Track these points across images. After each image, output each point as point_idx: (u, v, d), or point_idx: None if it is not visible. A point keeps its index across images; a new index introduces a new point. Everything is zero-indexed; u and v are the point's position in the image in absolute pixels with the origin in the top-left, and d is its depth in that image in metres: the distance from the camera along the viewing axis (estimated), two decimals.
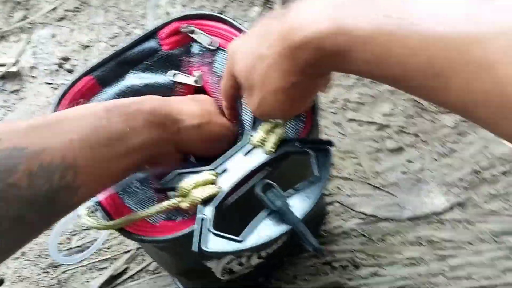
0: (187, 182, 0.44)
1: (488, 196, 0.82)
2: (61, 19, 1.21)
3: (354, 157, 0.89)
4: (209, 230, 0.39)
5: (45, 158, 0.34)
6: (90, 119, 0.39)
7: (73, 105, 0.56)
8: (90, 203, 0.46)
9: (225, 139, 0.53)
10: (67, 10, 1.22)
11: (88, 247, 0.83)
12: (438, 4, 0.25)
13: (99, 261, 0.82)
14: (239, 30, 0.56)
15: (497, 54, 0.21)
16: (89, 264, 0.82)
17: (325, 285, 0.75)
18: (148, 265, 0.80)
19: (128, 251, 0.82)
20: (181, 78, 0.59)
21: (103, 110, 0.41)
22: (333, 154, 0.88)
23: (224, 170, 0.46)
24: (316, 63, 0.33)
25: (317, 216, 0.80)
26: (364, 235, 0.80)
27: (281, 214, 0.38)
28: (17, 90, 1.11)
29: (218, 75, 0.57)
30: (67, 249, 0.84)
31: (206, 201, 0.43)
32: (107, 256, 0.82)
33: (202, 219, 0.41)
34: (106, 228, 0.45)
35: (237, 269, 0.64)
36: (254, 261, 0.66)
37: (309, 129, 0.51)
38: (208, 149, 0.51)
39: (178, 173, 0.45)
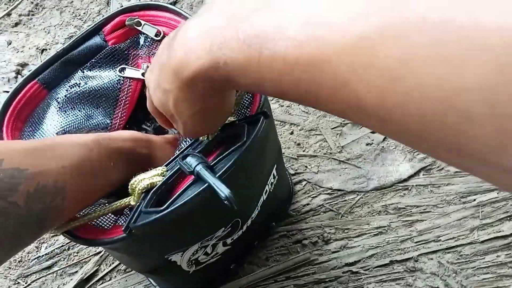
0: (134, 179, 0.44)
1: None
2: (16, 24, 1.19)
3: (318, 134, 0.89)
4: (141, 211, 0.39)
5: (41, 181, 0.37)
6: (81, 149, 0.43)
7: (19, 115, 0.56)
8: None
9: None
10: (21, 15, 1.19)
11: (57, 254, 0.83)
12: (284, 19, 0.25)
13: (68, 266, 0.82)
14: (184, 18, 0.56)
15: (347, 73, 0.22)
16: (59, 270, 0.82)
17: (297, 263, 0.75)
18: (118, 264, 0.80)
19: (98, 253, 0.82)
20: (129, 72, 0.59)
21: (92, 141, 0.45)
22: (299, 133, 0.89)
23: (174, 165, 0.45)
24: (212, 88, 0.34)
25: (284, 196, 0.80)
26: (332, 210, 0.80)
27: (199, 176, 0.38)
28: None
29: None
30: (36, 258, 0.83)
31: (148, 191, 0.43)
32: (77, 260, 0.82)
33: (139, 205, 0.41)
34: (53, 233, 0.45)
35: (204, 259, 0.64)
36: (221, 249, 0.65)
37: (256, 111, 0.50)
38: None
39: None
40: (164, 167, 0.45)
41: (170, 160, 0.47)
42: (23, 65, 1.11)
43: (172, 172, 0.43)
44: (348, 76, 0.22)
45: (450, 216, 0.77)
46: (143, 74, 0.58)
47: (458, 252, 0.74)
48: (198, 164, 0.38)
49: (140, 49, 0.60)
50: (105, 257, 0.81)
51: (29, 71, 1.08)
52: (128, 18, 0.60)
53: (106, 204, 0.49)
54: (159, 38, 0.58)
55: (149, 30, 0.59)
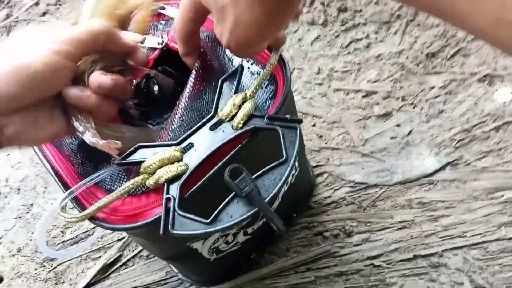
0: (151, 160, 0.42)
1: (480, 154, 0.81)
2: (44, 14, 1.21)
3: (341, 126, 0.88)
4: (176, 211, 0.39)
5: None
6: None
7: None
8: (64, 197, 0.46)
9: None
10: (49, 4, 1.21)
11: (82, 238, 0.84)
12: None
13: (93, 251, 0.83)
14: None
15: None
16: (83, 254, 0.83)
17: (317, 255, 0.75)
18: (141, 250, 0.81)
19: (121, 238, 0.83)
20: (149, 41, 0.58)
21: None
22: (321, 125, 0.88)
23: (190, 146, 0.44)
24: None
25: (306, 188, 0.79)
26: (354, 203, 0.79)
27: (249, 198, 0.37)
28: None
29: None
30: (61, 242, 0.85)
31: (171, 180, 0.42)
32: (101, 245, 0.83)
33: (168, 200, 0.40)
34: (79, 220, 0.44)
35: (224, 247, 0.64)
36: (241, 238, 0.65)
37: (279, 103, 0.49)
38: None
39: (140, 147, 0.44)
40: (177, 146, 0.44)
41: (185, 136, 0.45)
42: None
43: (198, 163, 0.43)
44: None
45: (477, 212, 0.76)
46: (158, 43, 0.57)
47: (485, 249, 0.73)
48: (252, 191, 0.37)
49: (159, 30, 0.60)
50: (128, 243, 0.82)
51: None
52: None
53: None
54: None
55: (173, 12, 0.59)
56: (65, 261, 0.83)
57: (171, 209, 0.38)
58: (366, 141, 0.85)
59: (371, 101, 0.89)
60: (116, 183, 0.48)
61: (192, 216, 0.37)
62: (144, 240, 0.54)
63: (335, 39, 0.96)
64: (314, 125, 0.89)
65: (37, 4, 1.22)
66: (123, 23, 0.52)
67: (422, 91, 0.88)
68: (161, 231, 0.37)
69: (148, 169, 0.42)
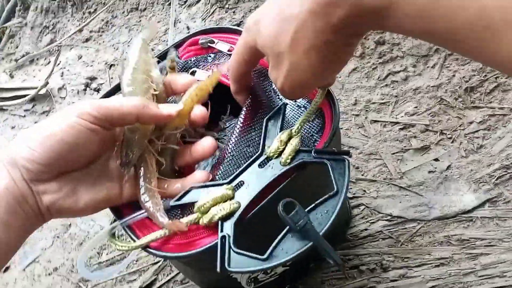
0: (204, 200, 0.43)
1: None
2: (87, 40, 1.26)
3: (378, 158, 0.87)
4: (231, 248, 0.39)
5: None
6: None
7: None
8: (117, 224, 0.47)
9: None
10: (92, 31, 1.26)
11: (118, 260, 0.85)
12: None
13: (128, 273, 0.84)
14: None
15: None
16: (119, 276, 0.84)
17: None
18: (176, 275, 0.81)
19: (156, 262, 0.83)
20: (199, 74, 0.60)
21: None
22: (357, 156, 0.88)
23: (241, 184, 0.45)
24: (351, 21, 0.31)
25: (342, 220, 0.79)
26: (391, 237, 0.78)
27: (304, 232, 0.38)
28: (47, 111, 1.15)
29: None
30: (97, 263, 0.86)
31: (225, 218, 0.43)
32: (136, 268, 0.84)
33: (223, 238, 0.41)
34: (132, 249, 0.45)
35: (262, 277, 0.64)
36: (279, 269, 0.66)
37: (328, 139, 0.49)
38: None
39: (192, 188, 0.45)
40: (228, 184, 0.45)
41: (235, 174, 0.46)
42: (92, 78, 1.16)
43: (249, 200, 0.43)
44: None
45: None
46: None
47: None
48: (306, 225, 0.37)
49: (209, 62, 0.62)
50: (163, 267, 0.83)
51: (98, 84, 1.14)
52: (201, 38, 0.63)
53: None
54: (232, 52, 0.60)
55: (223, 47, 0.61)
56: (101, 283, 0.84)
57: (227, 247, 0.39)
58: (404, 174, 0.85)
59: (408, 134, 0.89)
60: (170, 217, 0.49)
61: (248, 253, 0.37)
62: (188, 267, 0.55)
63: (372, 71, 0.97)
64: (350, 156, 0.88)
65: (80, 30, 1.26)
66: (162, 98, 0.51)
67: (460, 125, 0.88)
68: (218, 269, 0.38)
69: (202, 208, 0.43)
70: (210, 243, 0.44)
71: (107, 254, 0.87)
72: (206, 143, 0.48)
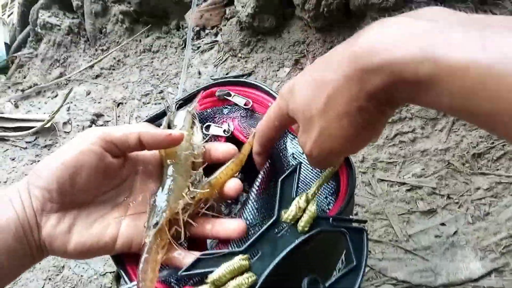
0: (221, 273, 0.41)
1: None
2: (97, 76, 1.26)
3: (384, 218, 0.87)
4: None
5: None
6: None
7: None
8: None
9: None
10: (103, 68, 1.27)
11: None
12: None
13: None
14: (273, 97, 0.57)
15: None
16: None
17: None
18: None
19: None
20: (213, 129, 0.60)
21: None
22: (363, 215, 0.87)
23: (256, 252, 0.43)
24: (388, 90, 0.31)
25: None
26: None
27: None
28: (49, 145, 1.14)
29: (251, 126, 0.57)
30: None
31: None
32: None
33: None
34: None
35: None
36: None
37: (344, 203, 0.49)
38: None
39: (201, 257, 0.42)
40: (243, 254, 0.42)
41: (251, 243, 0.43)
42: (99, 115, 1.16)
43: (268, 273, 0.41)
44: None
45: None
46: (224, 131, 0.59)
47: None
48: None
49: (224, 115, 0.62)
50: None
51: (104, 122, 1.13)
52: (218, 90, 0.63)
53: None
54: (248, 106, 0.60)
55: (239, 100, 0.61)
56: None
57: None
58: (410, 236, 0.83)
59: (415, 195, 0.88)
60: (177, 281, 0.47)
61: None
62: None
63: None
64: (356, 214, 0.88)
65: (91, 67, 1.27)
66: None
67: (467, 191, 0.88)
68: None
69: (218, 282, 0.41)
70: None
71: None
72: (235, 224, 0.45)
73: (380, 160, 0.94)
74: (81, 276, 0.88)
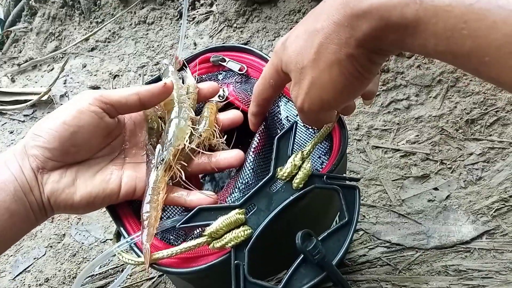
0: (218, 225, 0.42)
1: None
2: (92, 49, 1.26)
3: (378, 184, 0.88)
4: (246, 278, 0.39)
5: None
6: None
7: None
8: (125, 242, 0.47)
9: None
10: (98, 41, 1.26)
11: (111, 274, 0.84)
12: None
13: None
14: (267, 61, 0.58)
15: None
16: None
17: None
18: None
19: (151, 278, 0.82)
20: None
21: None
22: (360, 179, 0.88)
23: (252, 207, 0.44)
24: (376, 36, 0.31)
25: None
26: (389, 264, 0.78)
27: (319, 263, 0.38)
28: None
29: (246, 91, 0.58)
30: (90, 276, 0.85)
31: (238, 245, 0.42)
32: (129, 283, 0.83)
33: (237, 266, 0.40)
34: (138, 265, 0.45)
35: None
36: None
37: (336, 161, 0.50)
38: None
39: (201, 209, 0.44)
40: (240, 208, 0.44)
41: (247, 198, 0.45)
42: (95, 88, 1.16)
43: (262, 226, 0.43)
44: None
45: None
46: (219, 97, 0.60)
47: None
48: (323, 257, 0.37)
49: (219, 80, 0.63)
50: (157, 283, 0.82)
51: None
52: (213, 55, 0.63)
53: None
54: (243, 72, 0.61)
55: (233, 66, 0.62)
56: None
57: (241, 276, 0.38)
58: (403, 201, 0.85)
59: (409, 161, 0.90)
60: (176, 238, 0.49)
61: (263, 283, 0.37)
62: (189, 284, 0.54)
63: (375, 98, 0.98)
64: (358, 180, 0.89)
65: (86, 39, 1.27)
66: None
67: (460, 156, 0.89)
68: None
69: (215, 234, 0.42)
70: (215, 259, 0.44)
71: (100, 267, 0.86)
72: (235, 153, 0.50)
73: (375, 127, 0.95)
74: (82, 243, 0.90)
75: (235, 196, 0.47)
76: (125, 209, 0.50)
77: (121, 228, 0.48)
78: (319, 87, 0.37)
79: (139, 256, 0.45)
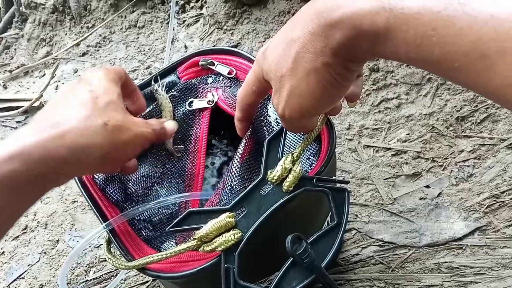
0: (208, 229, 0.42)
1: (508, 221, 0.81)
2: (84, 54, 1.26)
3: (370, 183, 0.88)
4: (236, 281, 0.39)
5: None
6: None
7: None
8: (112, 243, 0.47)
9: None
10: (89, 46, 1.26)
11: (105, 279, 0.84)
12: None
13: None
14: None
15: None
16: None
17: None
18: None
19: (145, 282, 0.82)
20: (196, 104, 0.61)
21: None
22: (350, 181, 0.88)
23: (242, 211, 0.44)
24: (350, 44, 0.32)
25: None
26: (382, 263, 0.79)
27: (308, 266, 0.38)
28: None
29: (235, 95, 0.58)
30: (84, 281, 0.85)
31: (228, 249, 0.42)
32: None
33: (227, 270, 0.40)
34: (127, 268, 0.45)
35: None
36: None
37: (325, 162, 0.50)
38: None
39: (191, 213, 0.44)
40: (230, 212, 0.44)
41: (237, 201, 0.45)
42: None
43: (252, 230, 0.43)
44: None
45: (506, 281, 0.75)
46: (209, 102, 0.60)
47: None
48: (313, 260, 0.38)
49: (209, 84, 0.63)
50: (151, 286, 0.82)
51: None
52: (202, 59, 0.63)
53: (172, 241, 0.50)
54: (232, 75, 0.61)
55: (222, 69, 0.62)
56: None
57: (231, 279, 0.39)
58: (395, 200, 0.85)
59: (400, 160, 0.90)
60: (164, 242, 0.49)
61: (253, 286, 0.37)
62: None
63: (366, 97, 0.99)
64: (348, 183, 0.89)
65: (77, 45, 1.27)
66: None
67: (451, 153, 0.89)
68: None
69: (205, 238, 0.42)
70: (205, 263, 0.44)
71: (94, 272, 0.86)
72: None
73: (366, 126, 0.95)
74: None
75: (223, 201, 0.48)
76: (101, 196, 0.51)
77: (96, 213, 0.49)
78: (298, 95, 0.37)
79: (129, 261, 0.46)
